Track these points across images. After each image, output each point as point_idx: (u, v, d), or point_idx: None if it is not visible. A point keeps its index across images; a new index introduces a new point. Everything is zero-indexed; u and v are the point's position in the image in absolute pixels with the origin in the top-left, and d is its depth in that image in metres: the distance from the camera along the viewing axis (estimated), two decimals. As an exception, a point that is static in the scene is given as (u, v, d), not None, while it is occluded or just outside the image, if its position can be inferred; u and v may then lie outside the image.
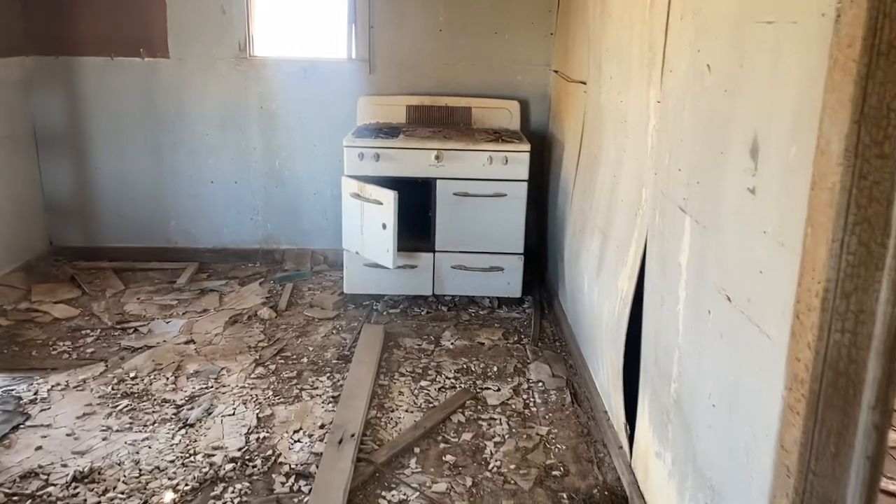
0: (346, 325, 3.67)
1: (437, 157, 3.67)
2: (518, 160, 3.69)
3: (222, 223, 4.52)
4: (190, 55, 4.24)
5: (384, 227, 3.52)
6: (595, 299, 2.84)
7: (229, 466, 2.48)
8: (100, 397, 2.90)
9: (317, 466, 2.47)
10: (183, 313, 3.76)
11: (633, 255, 2.36)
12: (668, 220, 2.04)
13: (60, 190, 4.43)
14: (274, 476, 2.45)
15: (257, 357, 3.29)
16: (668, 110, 2.07)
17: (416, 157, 3.69)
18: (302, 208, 4.52)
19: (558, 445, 2.68)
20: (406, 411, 2.87)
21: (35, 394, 2.90)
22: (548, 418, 2.86)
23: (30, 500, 2.26)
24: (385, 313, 3.82)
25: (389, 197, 3.46)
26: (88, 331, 3.53)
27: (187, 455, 2.53)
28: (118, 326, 3.58)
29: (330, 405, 2.89)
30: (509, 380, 3.15)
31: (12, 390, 2.93)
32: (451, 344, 3.48)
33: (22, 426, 2.68)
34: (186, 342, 3.43)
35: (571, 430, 2.79)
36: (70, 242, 4.50)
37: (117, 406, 2.84)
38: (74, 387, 2.98)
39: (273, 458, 2.55)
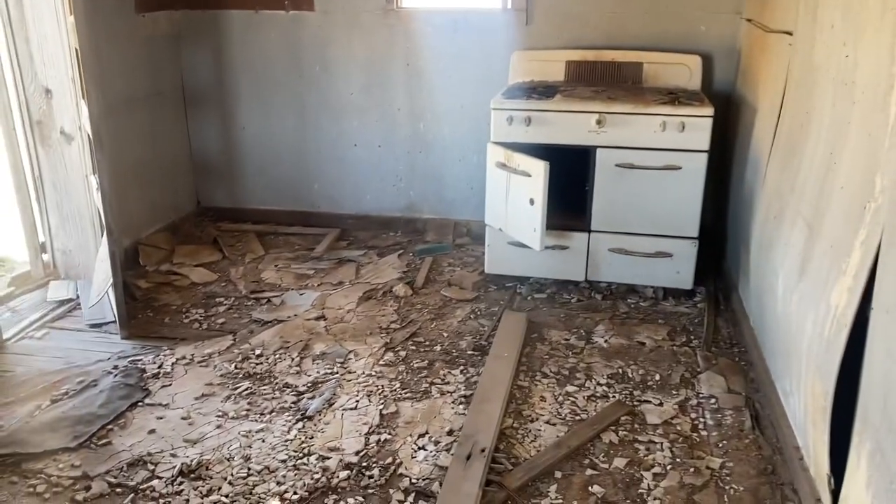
0: (485, 308, 3.30)
1: (598, 122, 3.16)
2: (698, 126, 3.09)
3: (365, 189, 4.27)
4: (335, 7, 3.96)
5: (532, 202, 3.08)
6: (793, 307, 2.26)
7: (343, 474, 2.20)
8: (221, 376, 2.73)
9: (440, 484, 2.13)
10: (318, 285, 3.55)
11: (856, 264, 1.78)
12: (923, 223, 1.45)
13: (208, 148, 4.36)
14: (391, 491, 2.14)
15: (388, 340, 3.00)
16: (934, 68, 1.46)
17: (573, 122, 3.20)
18: (446, 176, 4.17)
19: (734, 485, 2.17)
20: (547, 422, 2.46)
21: (159, 367, 2.78)
22: (721, 447, 2.34)
23: (132, 494, 2.10)
24: (529, 298, 3.41)
25: (539, 168, 3.00)
26: (223, 298, 3.41)
27: (300, 455, 2.29)
28: (252, 296, 3.43)
29: (461, 406, 2.54)
30: (674, 392, 2.64)
31: (139, 361, 2.83)
32: (605, 341, 3.01)
33: (140, 404, 2.55)
34: (318, 318, 3.20)
35: (751, 465, 2.26)
36: (217, 203, 4.45)
37: (238, 388, 2.66)
38: (199, 362, 2.83)
39: (393, 467, 2.24)
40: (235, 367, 2.80)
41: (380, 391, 2.64)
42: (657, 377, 2.74)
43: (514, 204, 3.21)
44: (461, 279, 3.59)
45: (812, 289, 2.09)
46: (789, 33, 2.65)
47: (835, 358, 1.80)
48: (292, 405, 2.55)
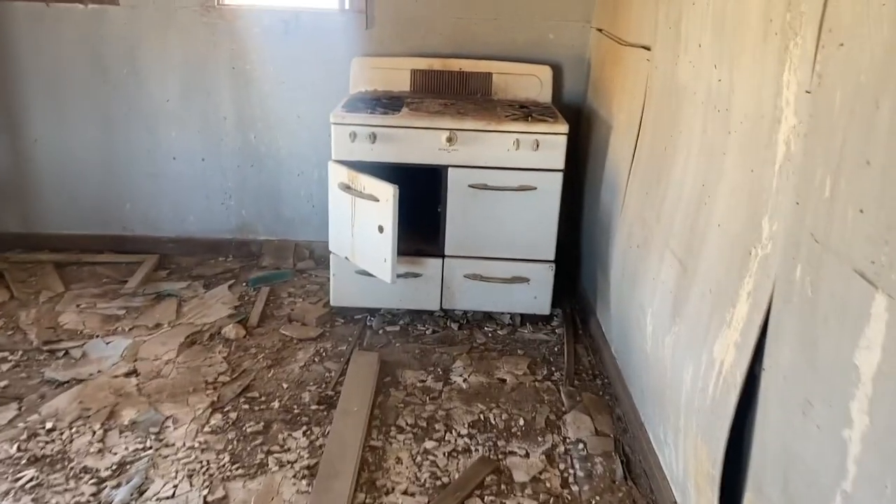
0: (331, 348, 2.93)
1: (449, 140, 2.88)
2: (552, 144, 2.89)
3: (188, 208, 3.75)
4: (144, 2, 3.41)
5: (381, 230, 2.75)
6: (667, 351, 2.08)
7: (156, 592, 1.76)
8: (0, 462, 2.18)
9: (279, 592, 1.76)
10: (130, 329, 3.01)
11: (743, 317, 1.60)
12: (829, 287, 1.27)
13: (-10, 165, 3.64)
14: None
15: (215, 399, 2.56)
16: (834, 109, 1.28)
17: (422, 139, 2.90)
18: (283, 192, 3.74)
19: (612, 551, 1.96)
20: (405, 492, 2.15)
21: (-89, 458, 2.18)
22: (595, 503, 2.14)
23: None
24: (381, 332, 3.08)
25: (388, 192, 2.68)
26: (7, 353, 2.80)
27: (100, 570, 1.82)
28: (45, 347, 2.84)
29: (304, 481, 2.16)
30: (540, 439, 2.42)
31: None
32: (464, 380, 2.74)
33: None
34: (128, 374, 2.69)
35: (627, 523, 2.07)
36: (5, 228, 3.74)
37: (19, 479, 2.12)
38: (-31, 445, 2.25)
39: (220, 572, 1.83)
40: (19, 449, 2.25)
41: (204, 469, 2.20)
42: (521, 421, 2.50)
43: (362, 231, 2.86)
44: (303, 313, 3.19)
45: (689, 336, 1.91)
46: (647, 48, 2.50)
47: (724, 423, 1.62)
48: (91, 498, 2.06)
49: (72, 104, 3.56)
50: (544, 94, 3.42)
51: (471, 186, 2.95)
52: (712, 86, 1.88)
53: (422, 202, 3.15)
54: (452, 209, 2.99)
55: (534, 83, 3.41)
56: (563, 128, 2.90)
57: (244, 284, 3.47)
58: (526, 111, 3.11)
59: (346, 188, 2.84)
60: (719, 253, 1.77)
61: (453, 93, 3.41)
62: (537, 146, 2.89)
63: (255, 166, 3.69)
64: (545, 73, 3.41)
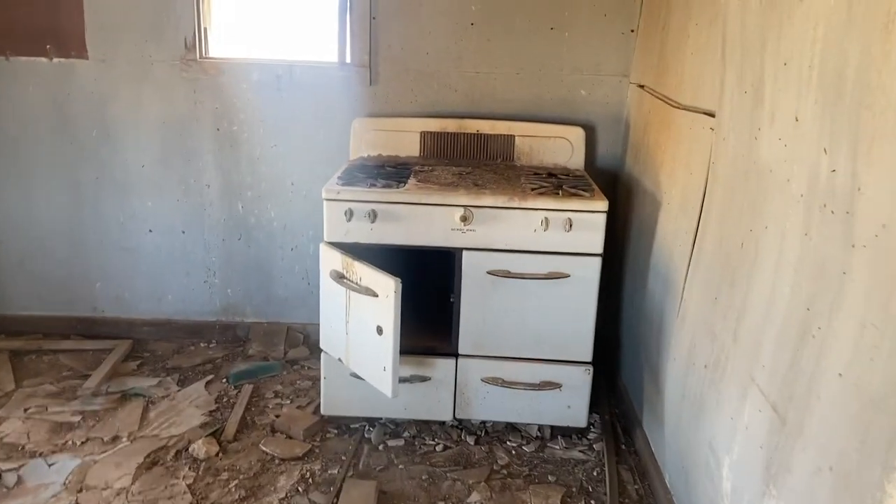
0: (320, 472, 2.41)
1: (463, 219, 2.39)
2: (589, 224, 2.40)
3: (166, 287, 3.28)
4: (116, 54, 2.99)
5: (380, 331, 2.25)
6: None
7: None
8: None
9: None
10: (81, 443, 2.52)
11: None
12: None
13: (-58, 239, 3.21)
14: None
15: (170, 549, 2.03)
16: None
17: (432, 217, 2.41)
18: (274, 269, 3.26)
19: None
20: None
21: None
22: None
23: None
24: (381, 448, 2.55)
25: (389, 287, 2.18)
26: (-71, 477, 2.30)
27: None
28: (-24, 469, 2.35)
29: None
30: None
31: None
32: (483, 521, 2.20)
33: None
34: (68, 508, 2.18)
35: None
36: (-41, 309, 3.29)
37: None
38: None
39: None
40: None
41: None
42: (556, 587, 1.95)
43: (357, 330, 2.36)
44: (290, 421, 2.67)
45: (797, 521, 1.37)
46: (709, 114, 2.00)
47: None
48: None
49: (35, 170, 3.13)
50: (576, 160, 2.93)
51: (490, 273, 2.45)
52: (820, 176, 1.37)
53: (431, 289, 2.66)
54: (468, 300, 2.49)
55: (563, 147, 2.92)
56: (602, 204, 2.40)
57: (224, 381, 2.97)
58: (555, 182, 2.62)
59: (340, 278, 2.35)
60: (844, 415, 1.24)
61: (470, 158, 2.93)
62: (570, 226, 2.39)
63: (242, 239, 3.22)
64: (576, 135, 2.93)
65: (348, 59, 3.01)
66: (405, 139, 2.94)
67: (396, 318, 2.19)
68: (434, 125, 2.93)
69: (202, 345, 3.29)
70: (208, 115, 3.06)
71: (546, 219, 2.39)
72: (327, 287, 2.43)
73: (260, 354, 3.20)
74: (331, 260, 2.41)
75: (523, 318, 2.50)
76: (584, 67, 2.99)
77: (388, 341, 2.22)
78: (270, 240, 3.22)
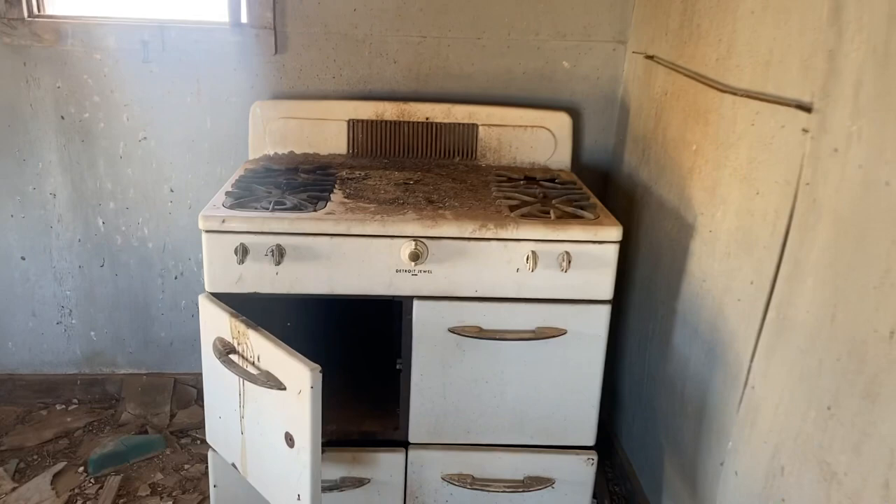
0: None
1: (415, 256, 1.62)
2: (595, 260, 1.66)
3: (3, 332, 2.40)
4: None
5: (290, 441, 1.46)
6: None
7: None
8: None
9: None
10: None
11: None
12: None
13: None
14: None
15: None
16: None
17: (367, 254, 1.63)
18: (153, 303, 2.42)
19: None
20: None
21: None
22: None
23: None
24: (302, 581, 1.78)
25: (303, 378, 1.39)
26: None
27: None
28: None
29: None
30: None
31: None
32: None
33: None
34: None
35: None
36: None
37: None
38: None
39: None
40: None
41: None
42: None
43: (258, 432, 1.57)
44: (167, 541, 1.88)
45: None
46: (802, 108, 1.27)
47: None
48: None
49: None
50: (559, 157, 2.18)
51: (453, 332, 1.70)
52: None
53: (368, 348, 1.89)
54: (422, 367, 1.73)
55: (543, 139, 2.16)
56: (613, 231, 1.66)
57: (81, 470, 2.13)
58: (538, 192, 1.87)
59: (228, 353, 1.54)
60: None
61: (417, 156, 2.14)
62: (568, 263, 1.64)
63: (107, 266, 2.36)
64: (560, 122, 2.17)
65: (244, 18, 2.16)
66: (326, 130, 2.12)
67: (315, 423, 1.40)
68: (366, 111, 2.12)
69: (58, 408, 2.44)
70: (48, 97, 2.17)
71: (533, 253, 1.64)
72: (211, 367, 1.62)
73: (137, 420, 2.37)
74: (214, 323, 1.60)
75: (501, 391, 1.76)
76: (568, 30, 2.22)
77: (304, 456, 1.44)
78: (145, 266, 2.37)
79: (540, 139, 2.16)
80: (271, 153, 2.12)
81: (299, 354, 1.41)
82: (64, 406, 2.45)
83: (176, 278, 2.39)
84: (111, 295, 2.40)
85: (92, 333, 2.44)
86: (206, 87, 2.19)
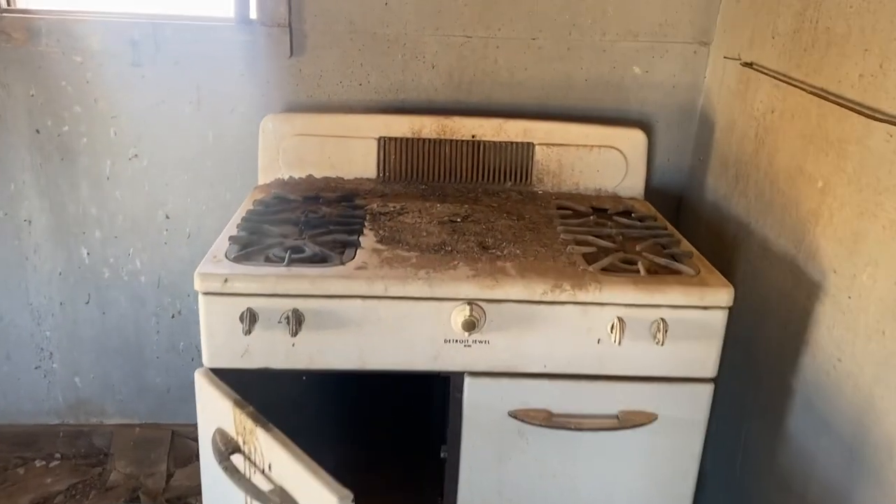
0: None
1: (469, 325, 1.26)
2: (698, 328, 1.31)
3: (-28, 378, 2.07)
4: None
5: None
6: None
7: None
8: None
9: None
10: None
11: None
12: None
13: None
14: None
15: None
16: None
17: (409, 320, 1.29)
18: (147, 345, 2.08)
19: None
20: None
21: None
22: None
23: None
24: None
25: None
26: None
27: None
28: None
29: None
30: None
31: None
32: None
33: None
34: None
35: None
36: None
37: None
38: None
39: None
40: None
41: None
42: None
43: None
44: None
45: None
46: None
47: None
48: None
49: None
50: (631, 182, 1.81)
51: (514, 417, 1.34)
52: None
53: (403, 429, 1.54)
54: (473, 457, 1.38)
55: (612, 162, 1.79)
56: (723, 293, 1.30)
57: (58, 553, 1.80)
58: (614, 233, 1.50)
59: (230, 455, 1.19)
60: None
61: (461, 180, 1.78)
62: (664, 333, 1.28)
63: (93, 303, 2.02)
64: (633, 141, 1.80)
65: (253, 14, 1.79)
66: (352, 150, 1.76)
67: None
68: (400, 127, 1.76)
69: (38, 464, 2.11)
70: (19, 107, 1.82)
71: (620, 321, 1.28)
72: (209, 462, 1.27)
73: (128, 482, 2.04)
74: (214, 411, 1.25)
75: (572, 487, 1.41)
76: (641, 29, 1.85)
77: None
78: (137, 302, 2.02)
79: (608, 161, 1.79)
80: (286, 177, 1.76)
81: (324, 473, 1.05)
82: (44, 462, 2.11)
83: (173, 317, 2.04)
84: (98, 336, 2.06)
85: (76, 379, 2.10)
86: (208, 95, 1.84)
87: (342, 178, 1.76)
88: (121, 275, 2.00)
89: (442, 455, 1.42)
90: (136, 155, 1.88)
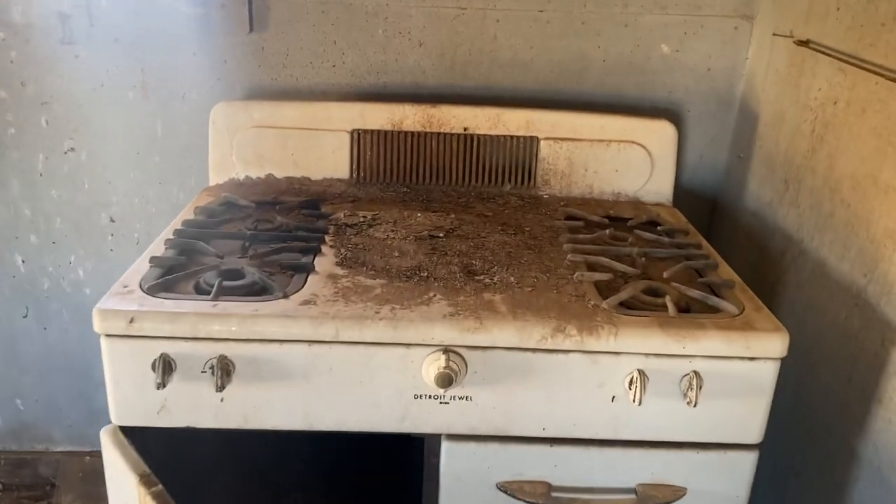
0: None
1: (442, 381, 0.97)
2: (740, 383, 1.01)
3: None
4: None
5: None
6: None
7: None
8: None
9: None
10: None
11: None
12: None
13: None
14: None
15: None
16: None
17: (368, 368, 1.00)
18: (96, 362, 1.79)
19: None
20: None
21: None
22: None
23: None
24: None
25: None
26: None
27: None
28: None
29: None
30: None
31: None
32: None
33: None
34: None
35: None
36: None
37: None
38: None
39: None
40: None
41: None
42: None
43: None
44: None
45: None
46: None
47: None
48: None
49: None
50: (656, 185, 1.50)
51: (504, 491, 1.06)
52: None
53: (375, 480, 1.27)
54: (453, 536, 1.10)
55: (634, 160, 1.49)
56: (775, 342, 1.00)
57: None
58: (635, 252, 1.21)
59: (132, 550, 0.92)
60: None
61: (450, 182, 1.49)
62: (698, 390, 0.98)
63: (32, 316, 1.76)
64: (660, 134, 1.49)
65: (205, -19, 1.50)
66: (321, 145, 1.46)
67: None
68: (378, 117, 1.46)
69: (-25, 497, 1.86)
70: (-67, 89, 1.55)
71: (642, 374, 0.99)
72: (112, 551, 1.00)
73: (74, 517, 1.79)
74: (121, 484, 0.98)
75: (576, 574, 1.12)
76: (668, 1, 1.53)
77: None
78: (83, 316, 1.75)
79: (630, 160, 1.48)
80: (241, 177, 1.47)
81: None
82: (-17, 495, 1.87)
83: (124, 333, 1.77)
84: (40, 353, 1.80)
85: (18, 401, 1.85)
86: (154, 79, 1.55)
87: (308, 179, 1.47)
88: (62, 286, 1.73)
89: (414, 532, 1.14)
90: (72, 148, 1.61)
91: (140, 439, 1.05)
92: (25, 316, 1.76)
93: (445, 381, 0.98)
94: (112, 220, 1.67)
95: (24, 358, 1.80)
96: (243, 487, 1.37)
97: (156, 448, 1.04)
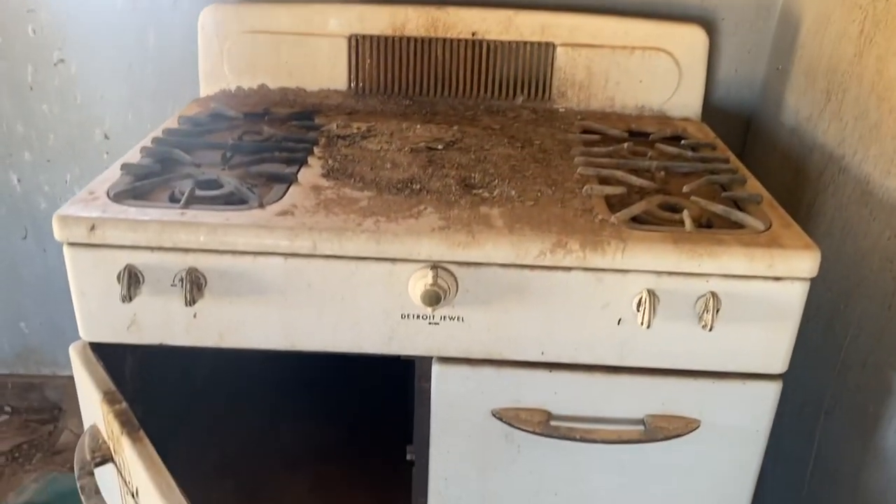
0: None
1: (429, 298, 0.88)
2: (765, 306, 0.90)
3: None
4: None
5: None
6: None
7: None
8: None
9: None
10: None
11: None
12: None
13: None
14: None
15: None
16: None
17: (349, 284, 0.92)
18: (100, 289, 1.75)
19: None
20: None
21: None
22: None
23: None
24: None
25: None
26: None
27: None
28: None
29: None
30: None
31: None
32: None
33: None
34: None
35: None
36: None
37: None
38: None
39: None
40: None
41: None
42: None
43: None
44: None
45: None
46: None
47: None
48: None
49: None
50: (684, 98, 1.37)
51: (499, 417, 0.98)
52: None
53: (367, 409, 1.20)
54: (446, 464, 1.03)
55: (660, 69, 1.35)
56: (805, 259, 0.89)
57: (-16, 531, 1.56)
58: (654, 167, 1.09)
59: (92, 469, 0.87)
60: None
61: (457, 94, 1.37)
62: (715, 313, 0.88)
63: (31, 237, 1.71)
64: (689, 41, 1.35)
65: None
66: (316, 52, 1.36)
67: None
68: (378, 20, 1.34)
69: (-16, 418, 1.86)
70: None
71: (651, 294, 0.89)
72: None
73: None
74: (89, 402, 0.92)
75: (577, 507, 1.05)
76: None
77: None
78: (83, 240, 1.70)
79: (655, 69, 1.35)
80: (232, 87, 1.38)
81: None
82: (-9, 416, 1.87)
83: (125, 257, 1.72)
84: (41, 275, 1.76)
85: (22, 324, 1.82)
86: (140, -19, 1.45)
87: (303, 90, 1.37)
88: (59, 205, 1.67)
89: (408, 457, 1.07)
90: (61, 60, 1.53)
91: (115, 358, 0.98)
92: (25, 237, 1.72)
93: (433, 299, 0.89)
94: (106, 137, 1.60)
95: (25, 281, 1.77)
96: (237, 412, 1.32)
97: (145, 371, 0.99)
